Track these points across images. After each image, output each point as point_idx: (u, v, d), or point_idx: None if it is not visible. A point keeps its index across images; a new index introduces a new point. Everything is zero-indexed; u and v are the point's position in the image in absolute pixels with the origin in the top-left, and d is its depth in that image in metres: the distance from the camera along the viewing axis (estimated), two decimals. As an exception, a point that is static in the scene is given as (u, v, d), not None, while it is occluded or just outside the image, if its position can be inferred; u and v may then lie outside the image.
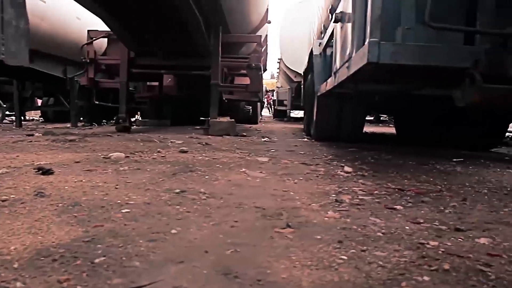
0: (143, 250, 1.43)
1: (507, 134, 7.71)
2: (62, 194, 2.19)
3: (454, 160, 4.32)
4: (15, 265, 1.28)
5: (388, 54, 2.62)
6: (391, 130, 10.65)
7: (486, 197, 2.55)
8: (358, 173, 3.23)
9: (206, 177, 2.86)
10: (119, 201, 2.08)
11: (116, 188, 2.39)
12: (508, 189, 2.84)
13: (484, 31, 2.43)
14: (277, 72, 21.50)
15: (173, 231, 1.64)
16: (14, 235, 1.55)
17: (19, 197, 2.10)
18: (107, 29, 7.33)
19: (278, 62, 20.47)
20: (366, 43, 2.71)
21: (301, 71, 9.59)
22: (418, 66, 2.67)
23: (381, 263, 1.37)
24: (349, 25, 3.45)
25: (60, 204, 1.99)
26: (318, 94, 6.11)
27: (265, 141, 6.32)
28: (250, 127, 10.91)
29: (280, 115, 20.78)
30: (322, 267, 1.33)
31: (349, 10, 3.47)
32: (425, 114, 6.67)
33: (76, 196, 2.17)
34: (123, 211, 1.91)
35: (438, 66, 2.64)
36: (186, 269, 1.28)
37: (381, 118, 18.62)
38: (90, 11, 6.37)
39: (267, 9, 10.01)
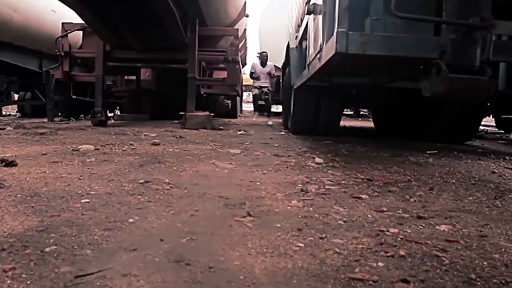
0: (97, 239, 1.40)
1: (481, 128, 7.83)
2: (23, 185, 2.14)
3: (428, 152, 4.36)
4: (-39, 255, 1.24)
5: (356, 44, 2.62)
6: (370, 124, 10.72)
7: (453, 186, 2.58)
8: (329, 164, 3.23)
9: (174, 168, 2.83)
10: (80, 192, 2.04)
11: (79, 179, 2.35)
12: (476, 179, 2.88)
13: (449, 21, 2.44)
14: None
15: (131, 220, 1.61)
16: (-34, 226, 1.50)
17: (-23, 189, 2.05)
18: (83, 22, 7.22)
19: (257, 57, 20.41)
20: (334, 33, 2.70)
21: (280, 65, 9.59)
22: (386, 56, 2.68)
23: (337, 250, 1.37)
24: (321, 16, 3.45)
25: (19, 195, 1.95)
26: (295, 87, 6.11)
27: (241, 134, 6.30)
28: (229, 121, 10.87)
29: (261, 109, 20.72)
30: (277, 254, 1.32)
31: (320, 1, 3.47)
32: (402, 108, 6.73)
33: (37, 187, 2.12)
34: (82, 201, 1.87)
35: (405, 56, 2.65)
36: (138, 257, 1.26)
37: (361, 112, 18.71)
38: (64, 3, 6.25)
39: (245, 2, 9.96)
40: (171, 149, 3.83)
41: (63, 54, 7.73)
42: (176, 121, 7.74)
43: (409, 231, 1.60)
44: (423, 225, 1.69)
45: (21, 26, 8.22)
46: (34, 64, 9.34)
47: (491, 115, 8.73)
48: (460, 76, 2.40)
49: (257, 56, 12.70)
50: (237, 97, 13.42)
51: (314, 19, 4.06)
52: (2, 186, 2.09)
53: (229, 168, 2.91)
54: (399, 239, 1.50)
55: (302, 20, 5.92)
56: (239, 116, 14.82)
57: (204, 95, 10.44)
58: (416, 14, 2.62)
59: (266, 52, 11.63)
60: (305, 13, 4.53)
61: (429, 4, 2.86)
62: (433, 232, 1.60)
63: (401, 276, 1.17)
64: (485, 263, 1.30)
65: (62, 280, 1.09)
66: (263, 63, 11.41)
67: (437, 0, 2.77)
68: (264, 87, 11.23)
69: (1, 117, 12.38)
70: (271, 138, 5.61)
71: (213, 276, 1.14)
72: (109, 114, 9.86)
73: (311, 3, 4.16)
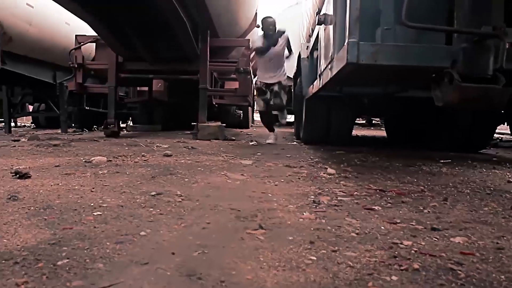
0: (109, 252, 1.40)
1: (496, 135, 7.74)
2: (36, 198, 2.16)
3: (441, 161, 4.32)
4: (-25, 269, 1.25)
5: (367, 54, 2.61)
6: (383, 133, 10.66)
7: (468, 197, 2.54)
8: (341, 175, 3.21)
9: (186, 179, 2.83)
10: (92, 204, 2.05)
11: (91, 191, 2.36)
12: (491, 189, 2.83)
13: (461, 30, 2.43)
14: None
15: (142, 233, 1.61)
16: (-21, 239, 1.52)
17: (-9, 201, 2.07)
18: (96, 34, 7.31)
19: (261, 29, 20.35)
20: (345, 43, 2.70)
21: (292, 75, 9.60)
22: (397, 66, 2.67)
23: (350, 263, 1.35)
24: (331, 27, 3.45)
25: (32, 208, 1.96)
26: (306, 97, 6.11)
27: (253, 144, 6.29)
28: (241, 131, 10.90)
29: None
30: (290, 268, 1.31)
31: (331, 12, 3.47)
32: (415, 117, 6.69)
33: (50, 199, 2.14)
34: (95, 213, 1.88)
35: (417, 65, 2.63)
36: (149, 270, 1.25)
37: (373, 121, 18.63)
38: (76, 15, 6.34)
39: (256, 13, 10.00)
40: (183, 160, 3.84)
41: (76, 66, 7.83)
42: (188, 132, 7.77)
43: (423, 243, 1.58)
44: (438, 237, 1.67)
45: (36, 39, 8.35)
46: (48, 76, 9.45)
47: (505, 123, 8.62)
48: (473, 85, 2.38)
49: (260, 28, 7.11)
50: (249, 107, 13.44)
51: (325, 29, 4.07)
52: (16, 198, 2.11)
53: (241, 180, 2.91)
54: (413, 251, 1.48)
55: (313, 31, 5.94)
56: (251, 126, 14.83)
57: (216, 105, 10.48)
58: (427, 24, 2.61)
59: (272, 18, 6.77)
60: (316, 23, 4.53)
61: (440, 13, 2.85)
62: (447, 245, 1.57)
63: (416, 291, 1.16)
64: (503, 276, 1.27)
65: (74, 295, 1.09)
66: (270, 37, 6.48)
67: (448, 9, 2.76)
68: (272, 84, 6.59)
69: (16, 128, 12.54)
70: (283, 149, 5.60)
71: (224, 291, 1.14)
72: (122, 125, 9.93)
73: (321, 13, 4.17)
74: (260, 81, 6.81)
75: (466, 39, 2.42)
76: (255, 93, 7.29)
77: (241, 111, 13.15)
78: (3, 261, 1.30)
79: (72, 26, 9.05)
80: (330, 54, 3.50)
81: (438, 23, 2.68)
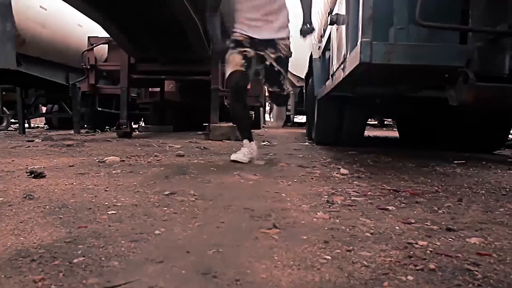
0: (124, 250, 1.41)
1: (511, 136, 7.65)
2: (51, 197, 2.18)
3: (455, 162, 4.28)
4: (-7, 266, 1.26)
5: (380, 54, 2.60)
6: (395, 134, 10.60)
7: (483, 197, 2.51)
8: (355, 175, 3.20)
9: (199, 179, 2.84)
10: (106, 203, 2.06)
11: (105, 190, 2.38)
12: (507, 189, 2.80)
13: (476, 29, 2.41)
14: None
15: (157, 231, 1.62)
16: (-4, 236, 1.54)
17: (8, 200, 2.09)
18: (108, 36, 7.36)
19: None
20: (358, 43, 2.69)
21: (303, 76, 9.57)
22: (410, 66, 2.65)
23: (365, 263, 1.34)
24: (344, 26, 3.44)
25: (47, 206, 1.98)
26: (318, 97, 6.10)
27: (264, 145, 6.29)
28: (253, 132, 10.87)
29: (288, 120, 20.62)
30: (304, 267, 1.31)
31: (344, 11, 3.46)
32: (428, 118, 6.64)
33: (65, 198, 2.15)
34: (109, 212, 1.89)
35: (431, 65, 2.61)
36: (164, 269, 1.26)
37: (385, 122, 18.54)
38: (88, 16, 6.39)
39: (268, 14, 9.99)
40: (195, 161, 3.85)
41: (89, 67, 7.90)
42: (200, 132, 7.79)
43: (438, 243, 1.57)
44: (453, 237, 1.65)
45: (49, 41, 8.44)
46: (61, 77, 9.54)
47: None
48: (488, 85, 2.36)
49: None
50: (260, 108, 13.44)
51: (337, 29, 4.06)
52: (32, 197, 2.13)
53: (254, 179, 2.91)
54: (428, 252, 1.46)
55: (325, 31, 5.93)
56: (262, 127, 14.83)
57: (228, 105, 10.48)
58: (441, 23, 2.59)
59: None
60: (328, 23, 4.52)
61: (454, 12, 2.82)
62: (463, 245, 1.56)
63: (432, 291, 1.15)
64: (520, 277, 1.26)
65: (90, 292, 1.10)
66: None
67: (463, 8, 2.74)
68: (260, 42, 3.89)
69: (29, 129, 12.66)
70: (295, 149, 5.59)
71: (240, 289, 1.14)
72: (134, 126, 9.99)
73: (334, 13, 4.15)
74: (240, 32, 3.90)
75: (481, 38, 2.40)
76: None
77: (253, 112, 13.15)
78: (21, 258, 1.32)
79: (85, 28, 9.13)
80: (342, 54, 3.49)
81: (453, 22, 2.66)
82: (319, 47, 6.44)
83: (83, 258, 1.33)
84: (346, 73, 3.19)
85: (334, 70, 4.12)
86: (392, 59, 2.61)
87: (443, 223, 1.86)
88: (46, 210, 1.92)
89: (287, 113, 18.54)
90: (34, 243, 1.47)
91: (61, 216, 1.81)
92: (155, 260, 1.33)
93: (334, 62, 4.19)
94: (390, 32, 2.74)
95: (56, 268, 1.25)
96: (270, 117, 21.75)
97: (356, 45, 2.78)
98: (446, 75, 2.71)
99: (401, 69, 2.87)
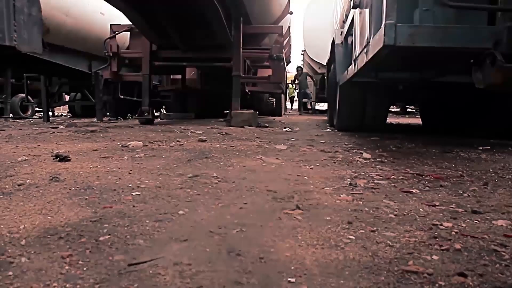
0: (148, 229, 1.43)
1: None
2: (76, 179, 2.21)
3: (480, 148, 4.20)
4: (22, 242, 1.30)
5: (404, 36, 2.55)
6: (418, 121, 10.45)
7: (509, 182, 2.46)
8: (377, 159, 3.17)
9: (221, 163, 2.85)
10: (130, 185, 2.09)
11: (129, 173, 2.41)
12: (534, 175, 2.74)
13: (506, 8, 2.34)
14: (302, 64, 21.28)
15: (181, 212, 1.63)
16: (25, 215, 1.57)
17: (35, 182, 2.14)
18: (130, 23, 7.39)
19: (302, 54, 20.33)
20: (382, 25, 2.64)
21: (325, 62, 9.49)
22: (436, 48, 2.60)
23: (389, 243, 1.34)
24: (367, 10, 3.39)
25: (73, 188, 2.01)
26: (340, 83, 6.04)
27: (286, 131, 6.28)
28: (274, 119, 10.86)
29: (305, 107, 20.58)
30: (328, 246, 1.30)
31: (367, -6, 3.41)
32: (452, 103, 6.51)
33: (90, 180, 2.19)
34: (133, 194, 1.92)
35: (457, 47, 2.55)
36: (189, 247, 1.27)
37: (408, 109, 18.30)
38: (111, 3, 6.41)
39: (289, 0, 9.92)
40: (217, 145, 3.86)
41: (111, 55, 7.94)
42: (221, 119, 7.80)
43: (463, 225, 1.55)
44: (479, 219, 1.63)
45: (72, 29, 8.51)
46: (84, 65, 9.63)
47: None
48: (518, 66, 2.30)
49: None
50: (282, 95, 13.38)
51: (360, 13, 3.99)
52: (58, 179, 2.17)
53: (276, 163, 2.91)
54: (453, 233, 1.45)
55: (347, 16, 5.84)
56: (284, 114, 14.79)
57: (249, 93, 10.46)
58: (468, 3, 2.53)
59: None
60: (351, 7, 4.46)
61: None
62: (490, 227, 1.53)
63: (458, 270, 1.13)
64: (549, 258, 1.23)
65: (116, 268, 1.12)
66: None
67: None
68: None
69: (53, 117, 12.86)
70: (317, 135, 5.56)
71: (263, 267, 1.14)
72: (156, 114, 10.05)
73: (357, -4, 4.09)
74: None
75: (511, 18, 2.33)
76: None
77: (274, 99, 13.11)
78: (49, 236, 1.35)
79: (107, 16, 9.18)
80: (365, 38, 3.44)
81: (480, 2, 2.59)
82: (341, 32, 6.37)
83: (108, 236, 1.35)
84: (370, 57, 3.14)
85: (357, 54, 4.06)
86: (417, 41, 2.56)
87: (468, 206, 1.84)
88: (72, 191, 1.96)
89: (307, 100, 18.41)
90: (61, 222, 1.50)
91: (87, 197, 1.84)
92: (179, 239, 1.34)
93: (357, 46, 4.14)
94: (415, 14, 2.68)
95: (83, 245, 1.28)
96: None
97: (380, 27, 2.74)
98: (472, 58, 2.66)
99: (425, 52, 2.81)
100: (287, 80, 17.29)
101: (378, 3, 2.99)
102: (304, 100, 19.30)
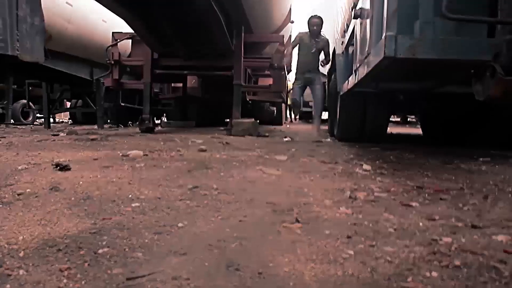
0: (147, 242, 1.43)
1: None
2: (76, 189, 2.21)
3: (481, 159, 4.19)
4: (21, 254, 1.30)
5: (405, 48, 2.55)
6: (418, 131, 10.45)
7: (510, 195, 2.45)
8: (377, 171, 3.17)
9: (221, 174, 2.85)
10: (130, 196, 2.09)
11: (129, 183, 2.41)
12: (535, 188, 2.74)
13: (505, 21, 2.34)
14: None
15: (180, 224, 1.63)
16: (24, 226, 1.57)
17: (35, 191, 2.14)
18: (132, 31, 7.42)
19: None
20: (382, 37, 2.65)
21: (326, 72, 9.51)
22: (436, 60, 2.60)
23: (389, 258, 1.33)
24: (368, 21, 3.40)
25: (73, 198, 2.02)
26: (341, 93, 6.05)
27: (287, 141, 6.28)
28: (274, 128, 10.87)
29: (305, 117, 20.56)
30: (327, 261, 1.30)
31: (368, 5, 3.42)
32: (452, 113, 6.51)
33: (90, 190, 2.19)
34: (133, 205, 1.92)
35: (457, 59, 2.56)
36: (188, 261, 1.27)
37: (408, 119, 18.30)
38: (113, 12, 6.44)
39: (290, 8, 9.95)
40: (218, 155, 3.86)
41: (113, 62, 7.96)
42: (222, 128, 7.81)
43: (463, 240, 1.54)
44: (479, 234, 1.62)
45: (74, 36, 8.54)
46: (85, 72, 9.66)
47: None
48: (517, 79, 2.30)
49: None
50: (283, 104, 13.40)
51: (361, 24, 4.01)
52: (58, 189, 2.17)
53: (276, 175, 2.90)
54: (453, 248, 1.44)
55: (348, 26, 5.86)
56: (284, 123, 14.80)
57: (250, 102, 10.48)
58: (468, 15, 2.53)
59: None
60: (352, 17, 4.48)
61: (482, 4, 2.76)
62: (489, 242, 1.53)
63: None
64: (549, 276, 1.23)
65: (115, 281, 1.12)
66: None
67: (490, 1, 2.67)
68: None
69: (54, 124, 12.88)
70: (317, 145, 5.56)
71: (262, 282, 1.14)
72: (156, 121, 10.07)
73: (358, 7, 4.11)
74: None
75: (510, 31, 2.34)
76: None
77: (275, 108, 13.12)
78: (47, 248, 1.35)
79: (109, 24, 9.22)
80: (366, 49, 3.45)
81: (479, 14, 2.60)
82: (342, 42, 6.39)
83: (107, 248, 1.35)
84: (370, 68, 3.15)
85: (358, 65, 4.07)
86: (417, 53, 2.56)
87: (468, 220, 1.83)
88: (71, 201, 1.96)
89: (308, 109, 18.41)
90: (60, 233, 1.50)
91: (86, 208, 1.84)
92: (179, 252, 1.34)
93: (358, 57, 4.14)
94: (415, 25, 2.69)
95: (81, 258, 1.28)
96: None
97: (381, 39, 2.74)
98: (472, 70, 2.66)
99: (426, 64, 2.82)
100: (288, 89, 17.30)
101: (379, 14, 3.00)
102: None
